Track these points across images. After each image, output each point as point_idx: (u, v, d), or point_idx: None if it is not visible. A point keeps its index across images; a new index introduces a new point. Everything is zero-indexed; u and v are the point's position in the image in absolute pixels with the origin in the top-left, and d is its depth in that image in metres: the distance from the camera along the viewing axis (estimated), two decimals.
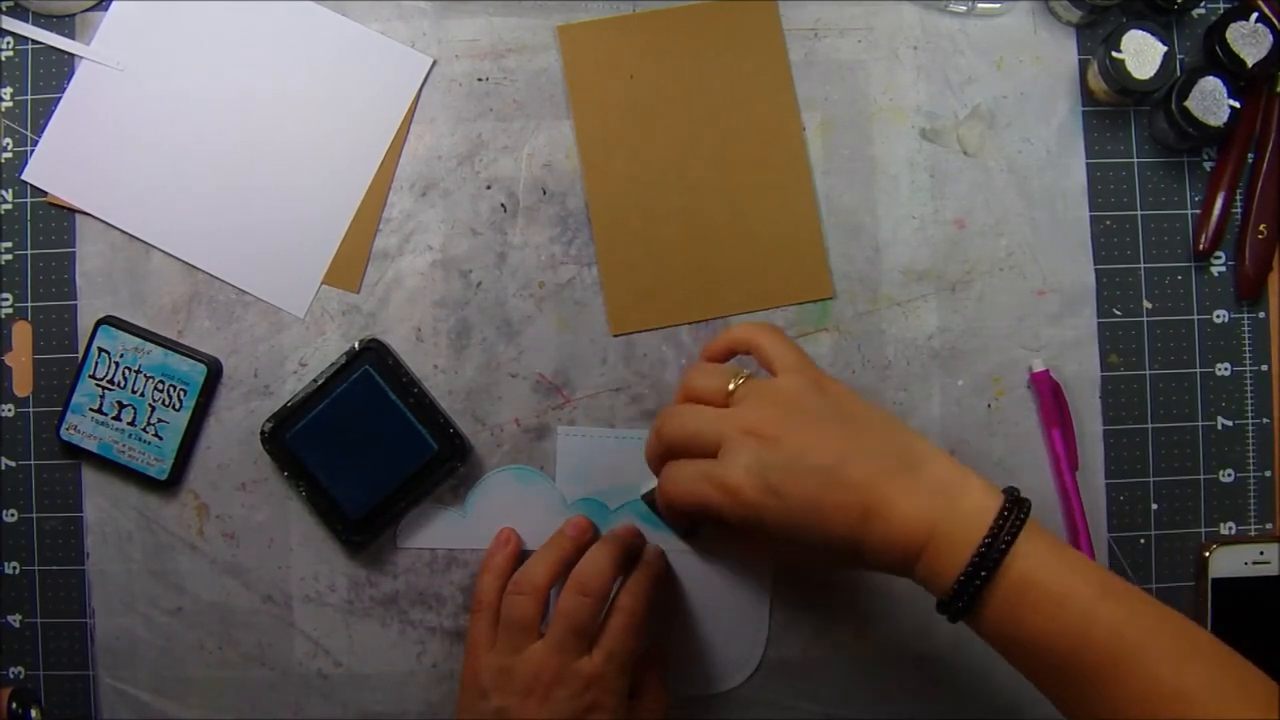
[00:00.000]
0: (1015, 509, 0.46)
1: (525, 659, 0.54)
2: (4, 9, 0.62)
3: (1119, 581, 0.46)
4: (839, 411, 0.50)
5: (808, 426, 0.48)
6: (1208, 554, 0.61)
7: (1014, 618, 0.45)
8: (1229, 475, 0.62)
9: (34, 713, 0.60)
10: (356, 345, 0.60)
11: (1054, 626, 0.45)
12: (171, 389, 0.60)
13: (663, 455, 0.52)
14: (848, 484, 0.47)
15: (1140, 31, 0.59)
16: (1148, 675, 0.44)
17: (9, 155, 0.62)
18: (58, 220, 0.62)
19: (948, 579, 0.46)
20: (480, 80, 0.62)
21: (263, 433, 0.59)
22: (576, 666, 0.53)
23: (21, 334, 0.62)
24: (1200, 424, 0.62)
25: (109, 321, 0.60)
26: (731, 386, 0.51)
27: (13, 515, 0.62)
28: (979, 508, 0.46)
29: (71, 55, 0.62)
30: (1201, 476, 0.62)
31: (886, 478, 0.47)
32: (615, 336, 0.61)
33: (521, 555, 0.60)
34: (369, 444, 0.59)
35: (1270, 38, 0.59)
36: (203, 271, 0.62)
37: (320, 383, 0.59)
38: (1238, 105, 0.59)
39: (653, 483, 0.56)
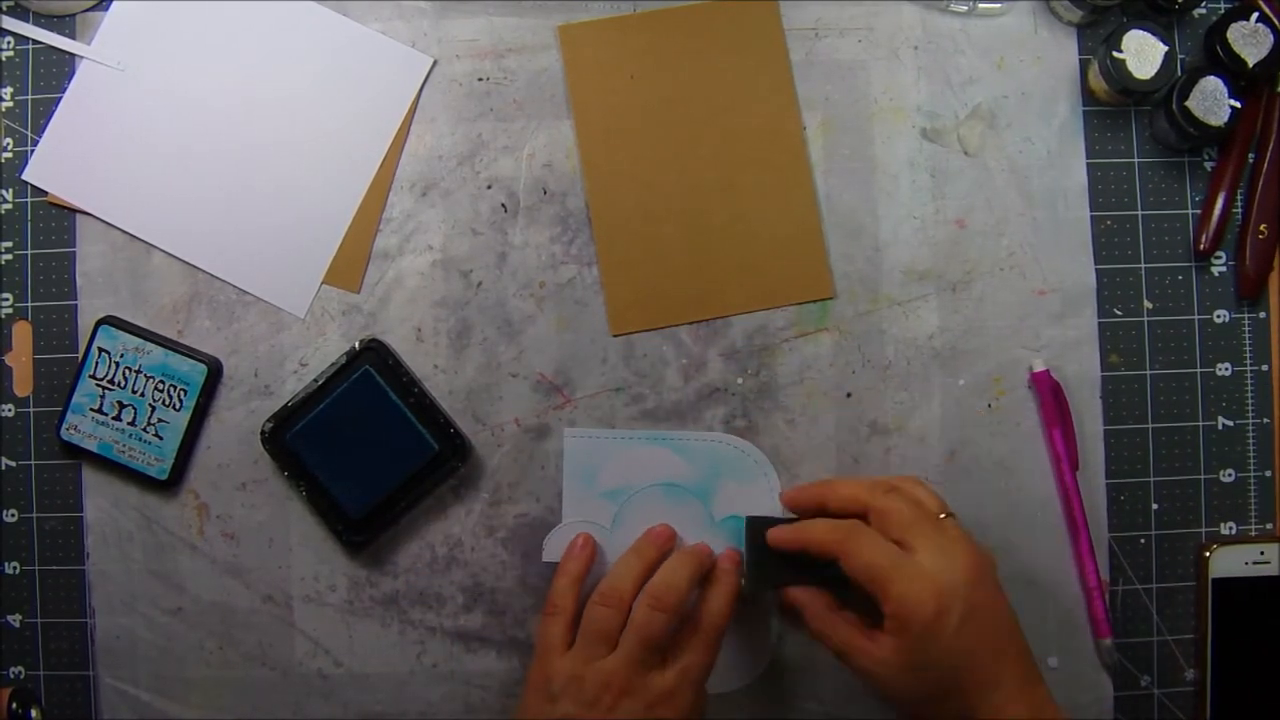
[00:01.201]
0: None
1: (598, 669, 0.53)
2: (4, 9, 0.62)
3: None
4: (1006, 598, 0.53)
5: (997, 591, 0.52)
6: (1208, 554, 0.61)
7: None
8: (1229, 475, 0.62)
9: (34, 713, 0.60)
10: (357, 345, 0.60)
11: None
12: (171, 389, 0.60)
13: (827, 504, 0.55)
14: (1001, 656, 0.51)
15: (1141, 31, 0.59)
16: None
17: (9, 155, 0.62)
18: (58, 220, 0.62)
19: None
20: (480, 80, 0.62)
21: (263, 433, 0.59)
22: (647, 680, 0.53)
23: (21, 334, 0.62)
24: (1201, 424, 0.62)
25: (109, 321, 0.60)
26: (944, 515, 0.54)
27: (13, 515, 0.62)
28: None
29: (71, 55, 0.62)
30: (1202, 476, 0.62)
31: (1026, 672, 0.52)
32: (615, 336, 0.61)
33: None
34: (369, 444, 0.59)
35: (1271, 38, 0.59)
36: (203, 271, 0.62)
37: (320, 383, 0.59)
38: (1238, 105, 0.59)
39: (765, 511, 0.59)
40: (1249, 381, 0.62)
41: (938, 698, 0.50)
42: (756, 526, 0.57)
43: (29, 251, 0.62)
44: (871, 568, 0.51)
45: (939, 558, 0.51)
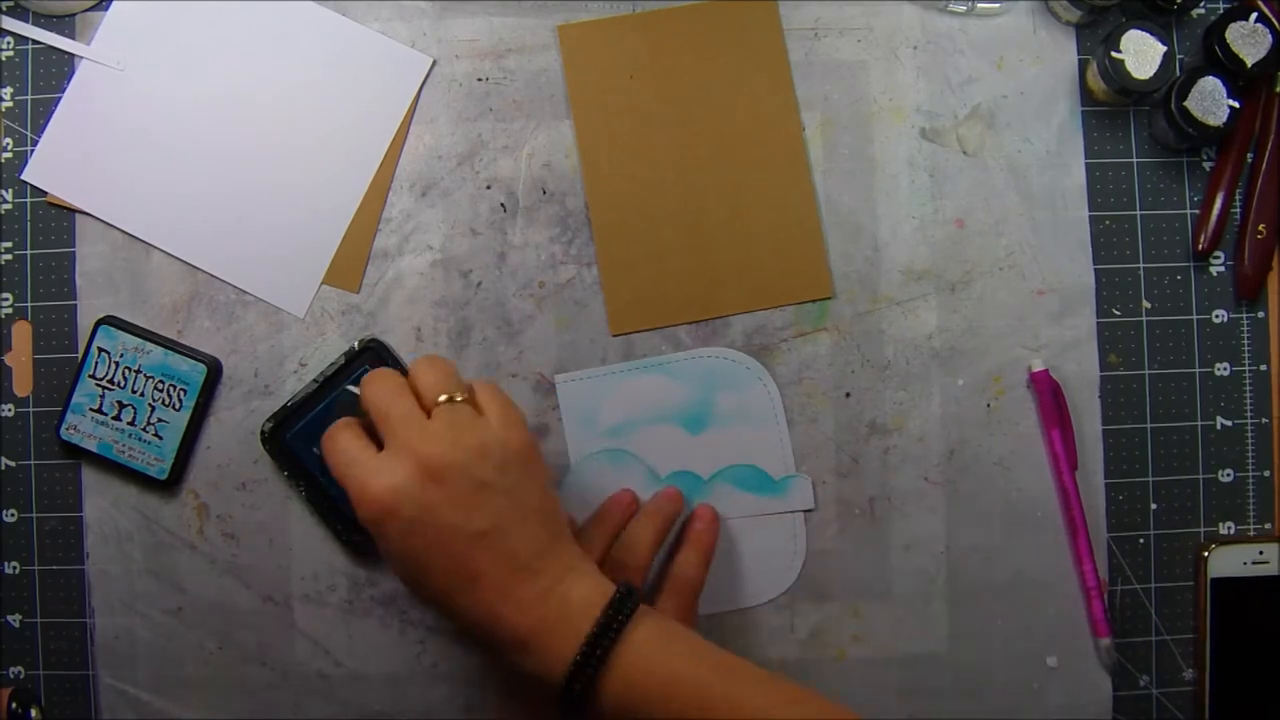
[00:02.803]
0: (625, 600, 0.48)
1: None
2: (4, 9, 0.62)
3: (736, 662, 0.48)
4: (513, 484, 0.49)
5: (472, 487, 0.47)
6: (1207, 554, 0.61)
7: (629, 707, 0.47)
8: (1228, 475, 0.62)
9: (34, 713, 0.59)
10: (355, 345, 0.60)
11: (670, 713, 0.46)
12: (171, 389, 0.60)
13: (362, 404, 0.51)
14: (471, 556, 0.47)
15: (1140, 31, 0.59)
16: None
17: (9, 155, 0.62)
18: (58, 220, 0.62)
19: (555, 673, 0.47)
20: (480, 80, 0.62)
21: (262, 433, 0.59)
22: None
23: (21, 334, 0.62)
24: (1199, 424, 0.62)
25: (109, 321, 0.60)
26: (442, 399, 0.49)
27: (13, 515, 0.62)
28: (585, 603, 0.48)
29: (71, 55, 0.62)
30: (1201, 476, 0.62)
31: (515, 566, 0.48)
32: (615, 336, 0.62)
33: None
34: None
35: (1270, 38, 0.59)
36: (203, 271, 0.62)
37: (319, 383, 0.59)
38: (1237, 105, 0.59)
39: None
40: (1248, 381, 0.62)
41: (422, 595, 0.49)
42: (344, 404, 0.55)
43: (29, 251, 0.62)
44: (337, 468, 0.49)
45: (392, 458, 0.48)
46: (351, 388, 0.54)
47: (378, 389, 0.50)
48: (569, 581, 0.49)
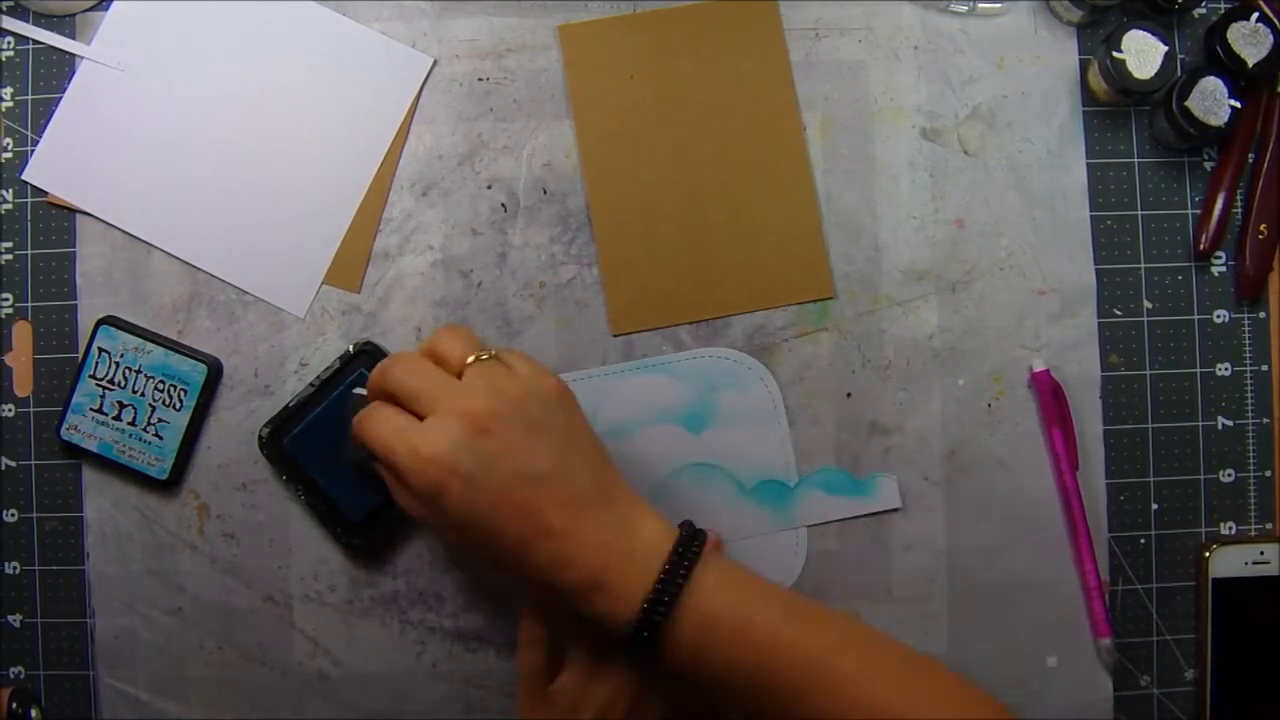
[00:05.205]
0: (691, 540, 0.47)
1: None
2: (4, 9, 0.62)
3: (804, 603, 0.47)
4: (562, 426, 0.49)
5: (524, 431, 0.47)
6: (1208, 554, 0.61)
7: (699, 650, 0.46)
8: (1229, 475, 0.62)
9: (34, 713, 0.60)
10: (351, 348, 0.60)
11: (740, 656, 0.45)
12: (172, 389, 0.60)
13: (381, 393, 0.50)
14: (536, 501, 0.47)
15: (1141, 31, 0.59)
16: (837, 692, 0.44)
17: (9, 155, 0.62)
18: (58, 220, 0.62)
19: (624, 616, 0.46)
20: (480, 80, 0.62)
21: (260, 437, 0.59)
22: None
23: (21, 334, 0.62)
24: (1200, 424, 0.62)
25: (109, 321, 0.60)
26: (470, 359, 0.49)
27: (13, 515, 0.62)
28: (653, 544, 0.47)
29: (72, 55, 0.62)
30: (1202, 476, 0.62)
31: (579, 505, 0.47)
32: (615, 336, 0.61)
33: None
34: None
35: (1271, 38, 0.59)
36: (203, 271, 0.62)
37: (316, 386, 0.59)
38: (1238, 105, 0.59)
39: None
40: (1249, 381, 0.62)
41: (490, 555, 0.48)
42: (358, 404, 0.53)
43: (29, 251, 0.62)
44: (383, 442, 0.48)
45: (438, 420, 0.47)
46: (359, 390, 0.54)
47: (402, 370, 0.49)
48: (633, 522, 0.48)
